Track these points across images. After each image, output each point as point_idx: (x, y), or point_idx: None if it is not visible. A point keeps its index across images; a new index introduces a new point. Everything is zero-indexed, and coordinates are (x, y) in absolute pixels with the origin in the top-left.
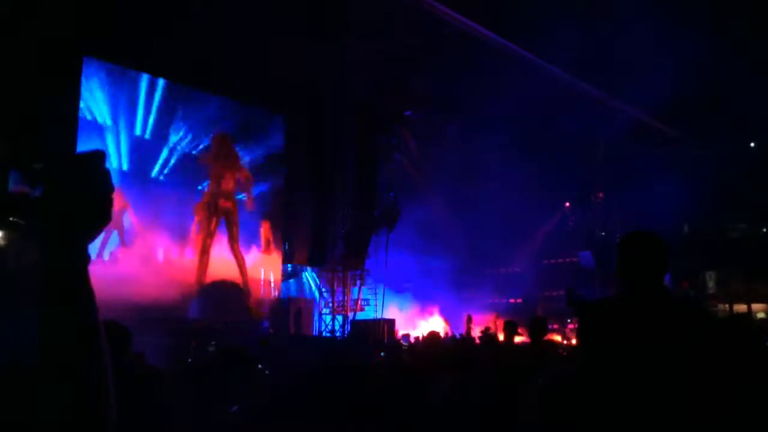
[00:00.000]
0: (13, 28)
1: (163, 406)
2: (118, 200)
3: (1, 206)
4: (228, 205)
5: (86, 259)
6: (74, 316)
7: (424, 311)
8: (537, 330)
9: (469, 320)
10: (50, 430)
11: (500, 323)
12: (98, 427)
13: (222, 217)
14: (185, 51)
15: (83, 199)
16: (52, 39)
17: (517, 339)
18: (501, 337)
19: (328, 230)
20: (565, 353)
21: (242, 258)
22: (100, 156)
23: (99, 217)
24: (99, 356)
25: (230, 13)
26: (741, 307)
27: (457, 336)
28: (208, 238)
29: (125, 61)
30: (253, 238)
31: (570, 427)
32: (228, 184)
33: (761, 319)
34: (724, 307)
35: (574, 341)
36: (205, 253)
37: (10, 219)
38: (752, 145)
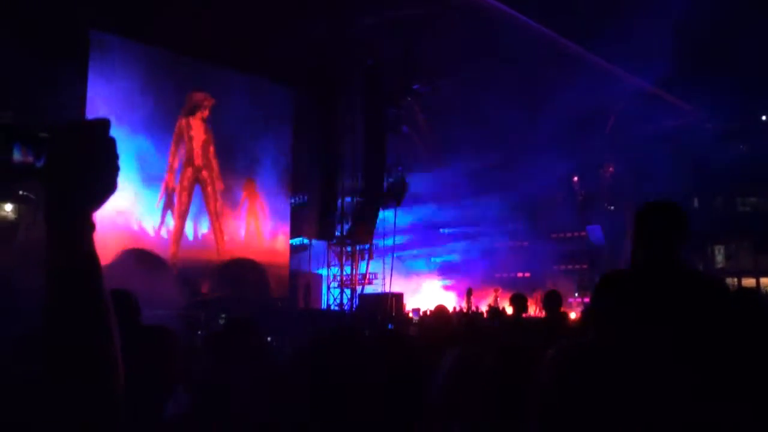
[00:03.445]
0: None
1: (173, 355)
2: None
3: (8, 177)
4: (204, 174)
5: (91, 226)
6: (80, 283)
7: (432, 285)
8: (552, 303)
9: (469, 293)
10: (59, 395)
11: (501, 297)
12: (108, 392)
13: (198, 184)
14: (194, 25)
15: (88, 167)
16: (58, 14)
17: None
18: (510, 311)
19: (336, 204)
20: (575, 325)
21: (220, 228)
22: (105, 124)
23: (104, 185)
24: (105, 320)
25: None
26: (749, 281)
27: (465, 310)
28: (185, 205)
29: (131, 34)
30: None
31: (582, 399)
32: (201, 150)
33: None
34: (732, 281)
35: (574, 315)
36: (181, 218)
37: (20, 192)
38: (763, 118)
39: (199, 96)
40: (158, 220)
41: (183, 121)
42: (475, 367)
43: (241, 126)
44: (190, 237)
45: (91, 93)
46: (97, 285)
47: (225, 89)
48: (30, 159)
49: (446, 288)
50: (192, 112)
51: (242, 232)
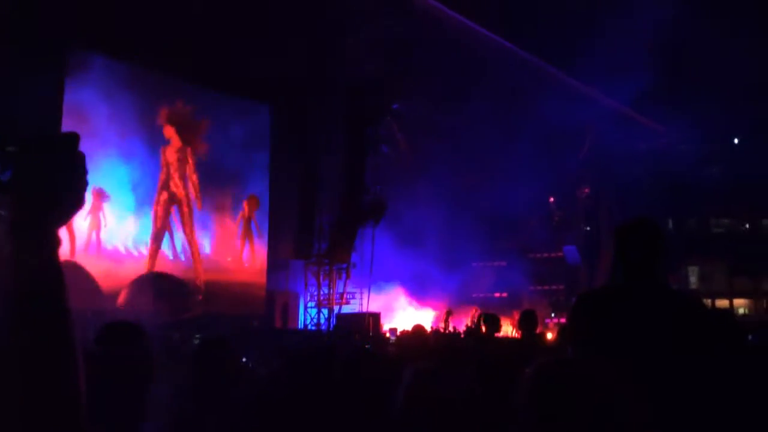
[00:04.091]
0: None
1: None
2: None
3: None
4: (179, 192)
5: (56, 241)
6: (42, 300)
7: (410, 305)
8: (527, 323)
9: (449, 314)
10: (18, 413)
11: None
12: (66, 414)
13: (175, 204)
14: (169, 43)
15: (54, 181)
16: (36, 26)
17: (503, 333)
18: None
19: (314, 223)
20: (551, 344)
21: (196, 247)
22: (74, 138)
23: (71, 200)
24: (66, 338)
25: (219, 4)
26: (723, 303)
27: (442, 330)
28: (161, 227)
29: (110, 51)
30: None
31: (559, 417)
32: (177, 168)
33: (742, 315)
34: (706, 302)
35: (550, 336)
36: (156, 241)
37: None
38: (735, 141)
39: (170, 110)
40: (134, 238)
41: (162, 145)
42: (431, 384)
43: (218, 144)
44: (170, 257)
45: (66, 107)
46: (59, 302)
47: (204, 107)
48: None
49: (422, 307)
50: (168, 123)
51: (219, 251)
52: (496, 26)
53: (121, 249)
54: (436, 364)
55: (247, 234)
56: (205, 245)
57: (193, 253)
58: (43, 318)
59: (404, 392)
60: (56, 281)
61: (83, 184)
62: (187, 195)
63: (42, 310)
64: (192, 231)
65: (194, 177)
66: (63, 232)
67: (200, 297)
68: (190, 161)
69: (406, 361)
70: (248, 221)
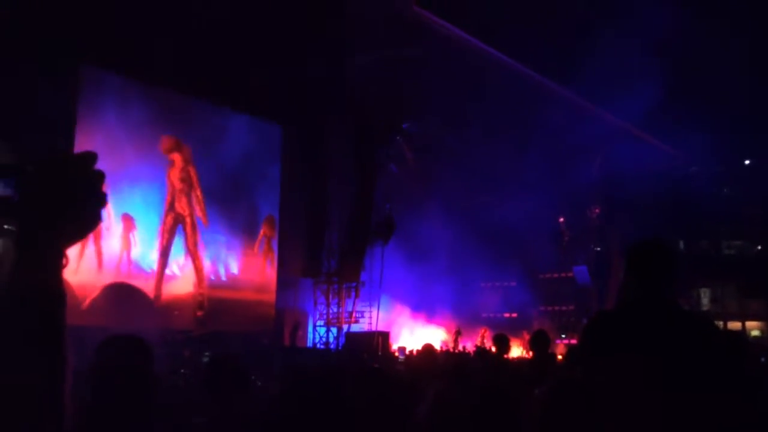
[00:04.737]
0: (12, 29)
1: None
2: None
3: None
4: (183, 212)
5: (60, 260)
6: (33, 316)
7: (419, 324)
8: (539, 343)
9: (458, 334)
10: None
11: (488, 337)
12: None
13: (179, 223)
14: (183, 61)
15: (64, 200)
16: (50, 42)
17: (514, 353)
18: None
19: (323, 242)
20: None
21: (200, 264)
22: (91, 157)
23: (85, 220)
24: (54, 354)
25: (228, 25)
26: (735, 325)
27: (452, 349)
28: (166, 243)
29: (123, 69)
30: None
31: None
32: (182, 188)
33: (755, 337)
34: (718, 324)
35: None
36: (164, 256)
37: (4, 227)
38: (747, 162)
39: (171, 140)
40: (144, 257)
41: (168, 166)
42: (453, 405)
43: (228, 163)
44: (179, 273)
45: (80, 126)
46: (53, 319)
47: (213, 127)
48: (9, 193)
49: (431, 326)
50: (170, 152)
51: (227, 269)
52: (504, 45)
53: (146, 268)
54: (456, 386)
55: (268, 253)
56: (224, 266)
57: (196, 271)
58: (31, 333)
59: (426, 411)
60: (53, 298)
61: (98, 204)
62: (191, 213)
63: (31, 325)
64: (195, 248)
65: (199, 195)
66: (91, 252)
67: (200, 313)
68: (195, 180)
69: (417, 381)
70: (269, 240)
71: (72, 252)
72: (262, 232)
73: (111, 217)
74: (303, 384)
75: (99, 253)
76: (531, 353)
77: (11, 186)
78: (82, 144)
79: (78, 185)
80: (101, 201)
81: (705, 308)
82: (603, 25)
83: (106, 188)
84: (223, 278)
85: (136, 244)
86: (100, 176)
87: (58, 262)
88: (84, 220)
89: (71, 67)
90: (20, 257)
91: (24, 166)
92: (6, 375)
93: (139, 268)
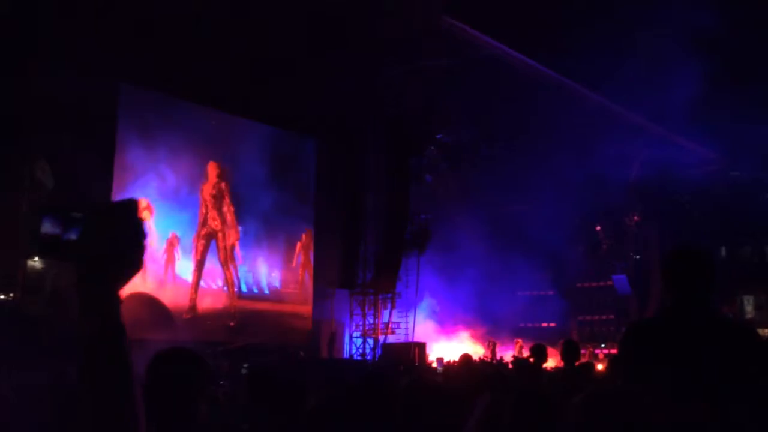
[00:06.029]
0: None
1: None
2: None
3: (39, 247)
4: (216, 226)
5: (117, 299)
6: (105, 353)
7: (455, 334)
8: (569, 353)
9: (494, 344)
10: None
11: (525, 348)
12: None
13: (213, 238)
14: (218, 78)
15: (114, 245)
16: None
17: (550, 363)
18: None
19: (359, 253)
20: (601, 375)
21: (231, 277)
22: (132, 205)
23: (130, 265)
24: (126, 387)
25: (261, 38)
26: None
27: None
28: (201, 257)
29: (160, 87)
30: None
31: None
32: (213, 204)
33: None
34: (762, 332)
35: (601, 366)
36: (198, 269)
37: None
38: None
39: (212, 166)
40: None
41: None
42: (502, 415)
43: (263, 176)
44: (214, 286)
45: (119, 147)
46: (122, 355)
47: (248, 140)
48: (57, 232)
49: (467, 336)
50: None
51: (268, 282)
52: (538, 53)
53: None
54: (505, 396)
55: (306, 265)
56: (265, 279)
57: (228, 284)
58: (106, 367)
59: (477, 422)
60: (117, 336)
61: (141, 249)
62: (223, 228)
63: (105, 360)
64: (227, 262)
65: (231, 210)
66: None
67: (233, 323)
68: (227, 195)
69: (458, 392)
70: (306, 252)
71: None
72: (299, 244)
73: (155, 233)
74: (347, 395)
75: (144, 270)
76: (563, 363)
77: (56, 226)
78: (121, 159)
79: (124, 230)
80: (143, 245)
81: (748, 316)
82: (639, 25)
83: (152, 206)
84: (266, 291)
85: (179, 258)
86: (141, 223)
87: (116, 300)
88: (130, 265)
89: (114, 85)
90: (85, 299)
91: (70, 212)
92: (98, 394)
93: (183, 281)
